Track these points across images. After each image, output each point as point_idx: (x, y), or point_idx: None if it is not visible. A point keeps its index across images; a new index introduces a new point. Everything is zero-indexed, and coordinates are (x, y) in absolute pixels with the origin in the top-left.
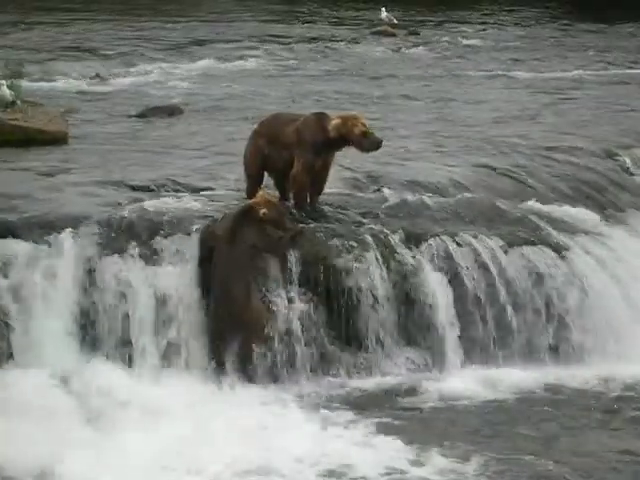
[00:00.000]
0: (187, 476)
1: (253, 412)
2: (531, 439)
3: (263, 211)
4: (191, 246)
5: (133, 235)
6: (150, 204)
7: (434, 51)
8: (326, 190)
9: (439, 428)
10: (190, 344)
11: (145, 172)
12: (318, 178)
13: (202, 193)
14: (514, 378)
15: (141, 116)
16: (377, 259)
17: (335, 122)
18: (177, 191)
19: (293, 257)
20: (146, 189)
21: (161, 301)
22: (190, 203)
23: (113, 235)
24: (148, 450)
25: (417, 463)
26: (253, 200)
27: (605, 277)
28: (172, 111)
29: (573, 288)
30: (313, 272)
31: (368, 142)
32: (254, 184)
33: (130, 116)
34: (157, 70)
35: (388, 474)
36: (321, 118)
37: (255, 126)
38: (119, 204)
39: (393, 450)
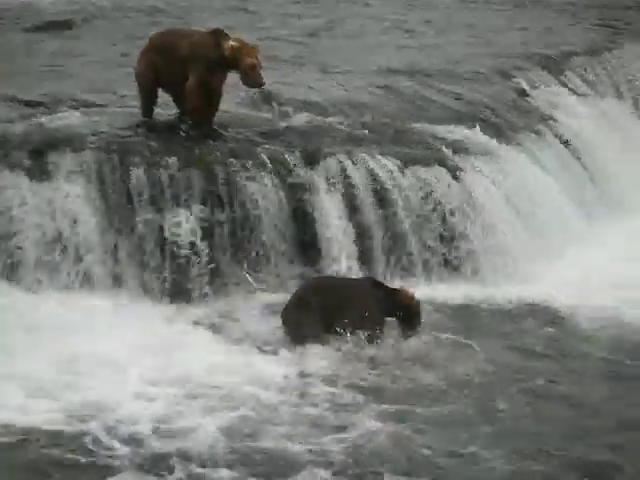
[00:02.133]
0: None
1: (156, 327)
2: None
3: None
4: (84, 163)
5: (26, 151)
6: (44, 119)
7: None
8: (222, 109)
9: None
10: (85, 259)
11: (39, 87)
12: (214, 97)
13: (96, 109)
14: None
15: (36, 30)
16: (273, 178)
17: (232, 44)
18: (71, 107)
19: (193, 175)
20: (40, 104)
21: (53, 217)
22: (84, 119)
23: (5, 150)
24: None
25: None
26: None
27: (499, 198)
28: (68, 25)
29: (467, 208)
30: (212, 191)
31: (252, 78)
32: (148, 101)
33: (24, 30)
34: None
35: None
36: (217, 35)
37: (146, 41)
38: (13, 119)
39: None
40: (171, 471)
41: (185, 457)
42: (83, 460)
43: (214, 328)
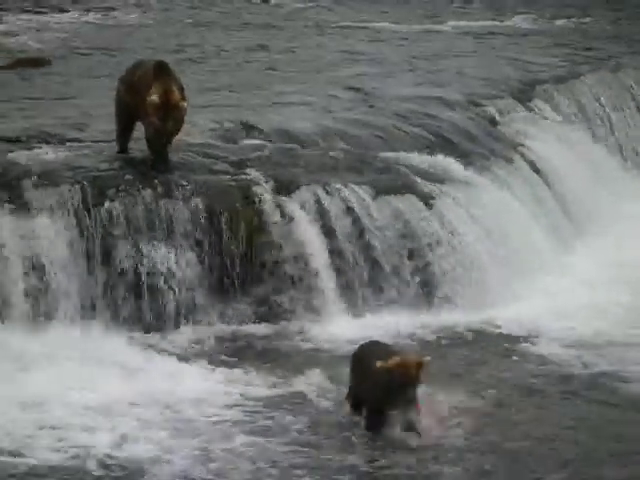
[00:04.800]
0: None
1: (130, 357)
2: None
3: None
4: (60, 197)
5: (3, 186)
6: (20, 155)
7: (298, 1)
8: (194, 141)
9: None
10: (63, 295)
11: (14, 123)
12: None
13: (71, 144)
14: (388, 324)
15: (9, 67)
16: (247, 208)
17: (153, 99)
18: (46, 142)
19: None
20: (15, 140)
21: (33, 253)
22: (59, 154)
23: None
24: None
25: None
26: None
27: (471, 225)
28: (40, 62)
29: (440, 236)
30: (189, 223)
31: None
32: (122, 133)
33: None
34: (25, 21)
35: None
36: (153, 81)
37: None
38: None
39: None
40: None
41: None
42: None
43: None
